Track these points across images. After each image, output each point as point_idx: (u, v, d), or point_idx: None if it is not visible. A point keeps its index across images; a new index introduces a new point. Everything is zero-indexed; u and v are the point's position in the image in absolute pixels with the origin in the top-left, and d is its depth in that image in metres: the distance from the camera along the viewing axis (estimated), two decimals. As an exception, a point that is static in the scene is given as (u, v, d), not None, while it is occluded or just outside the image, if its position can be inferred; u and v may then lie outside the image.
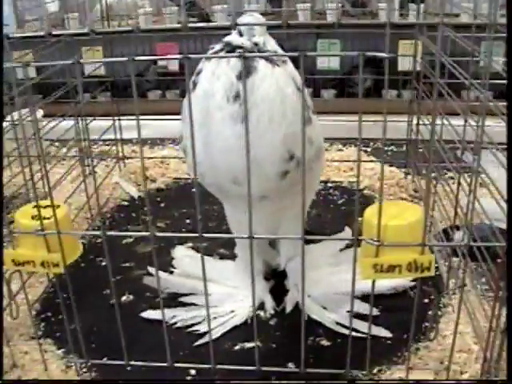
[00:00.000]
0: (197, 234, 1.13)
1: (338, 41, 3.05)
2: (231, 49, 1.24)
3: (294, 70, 1.26)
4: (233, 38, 1.28)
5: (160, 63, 3.63)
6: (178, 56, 1.00)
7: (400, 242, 1.11)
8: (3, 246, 1.32)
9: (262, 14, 3.43)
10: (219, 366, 1.26)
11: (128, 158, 2.37)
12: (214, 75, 1.20)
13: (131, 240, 1.87)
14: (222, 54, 1.24)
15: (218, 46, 1.28)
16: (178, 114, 1.31)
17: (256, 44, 1.25)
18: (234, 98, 1.19)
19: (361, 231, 1.14)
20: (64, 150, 2.24)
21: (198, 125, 1.18)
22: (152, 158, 2.41)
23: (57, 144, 2.37)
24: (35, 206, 1.27)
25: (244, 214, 1.36)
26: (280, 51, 1.33)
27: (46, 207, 1.22)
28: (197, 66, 1.24)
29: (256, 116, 1.17)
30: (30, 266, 1.23)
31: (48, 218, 1.19)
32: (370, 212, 1.16)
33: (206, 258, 1.68)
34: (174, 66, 3.56)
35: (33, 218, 1.23)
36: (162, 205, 2.12)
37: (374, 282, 1.17)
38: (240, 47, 1.24)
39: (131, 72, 0.99)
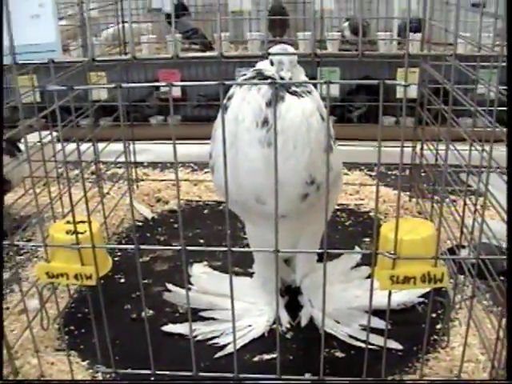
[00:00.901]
0: (225, 248, 1.19)
1: (338, 68, 3.14)
2: (262, 78, 1.34)
3: (319, 100, 1.35)
4: (264, 66, 1.38)
5: (162, 89, 3.71)
6: (213, 82, 1.06)
7: (415, 255, 1.19)
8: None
9: (262, 42, 3.54)
10: (242, 375, 1.32)
11: (141, 180, 2.44)
12: (245, 101, 1.29)
13: (148, 259, 1.94)
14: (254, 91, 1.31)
15: (249, 73, 1.37)
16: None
17: (282, 79, 1.33)
18: (262, 124, 1.28)
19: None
20: (76, 171, 2.32)
21: (219, 148, 1.27)
22: (164, 180, 2.49)
23: (70, 166, 2.43)
24: (68, 222, 1.35)
25: (264, 232, 1.45)
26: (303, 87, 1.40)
27: (78, 223, 1.29)
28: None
29: (282, 142, 1.23)
30: (64, 279, 1.30)
31: (81, 233, 1.27)
32: (386, 228, 1.24)
33: (222, 274, 1.78)
34: (176, 92, 3.63)
35: (67, 232, 1.31)
36: (176, 226, 2.19)
37: (390, 293, 1.24)
38: (270, 77, 1.33)
39: (119, 97, 1.08)
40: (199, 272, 1.82)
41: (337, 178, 1.46)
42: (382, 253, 1.20)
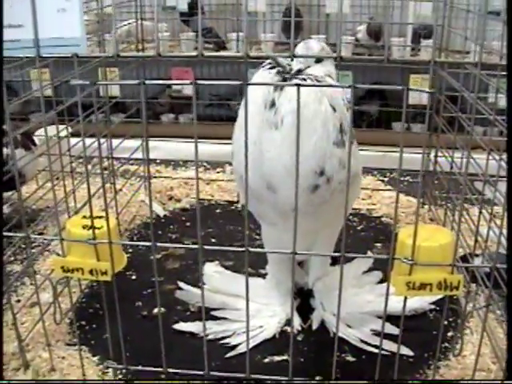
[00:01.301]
0: (243, 249, 1.19)
1: (350, 72, 3.14)
2: (276, 65, 1.36)
3: (333, 93, 1.35)
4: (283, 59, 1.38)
5: (174, 87, 3.72)
6: (236, 82, 1.07)
7: (432, 261, 1.19)
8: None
9: (276, 43, 3.53)
10: (253, 376, 1.32)
11: (153, 178, 2.44)
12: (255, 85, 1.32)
13: (159, 256, 1.94)
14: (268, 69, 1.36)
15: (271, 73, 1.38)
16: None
17: (300, 70, 1.35)
18: (270, 105, 1.30)
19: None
20: (89, 167, 2.32)
21: (238, 133, 1.38)
22: (176, 178, 2.49)
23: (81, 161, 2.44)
24: (85, 217, 1.35)
25: (280, 233, 1.45)
26: (329, 79, 1.41)
27: (95, 218, 1.29)
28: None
29: (289, 124, 1.26)
30: (79, 273, 1.30)
31: (98, 228, 1.27)
32: (404, 233, 1.24)
33: (235, 274, 1.78)
34: (188, 91, 3.63)
35: (83, 227, 1.31)
36: (188, 224, 2.19)
37: (405, 299, 1.24)
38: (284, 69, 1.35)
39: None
40: (212, 271, 1.82)
41: (353, 179, 1.46)
42: (399, 258, 1.19)
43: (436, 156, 2.09)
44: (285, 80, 1.33)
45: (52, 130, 1.96)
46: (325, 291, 1.64)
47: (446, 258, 1.20)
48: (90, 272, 1.29)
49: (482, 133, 2.61)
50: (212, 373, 1.34)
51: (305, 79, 1.34)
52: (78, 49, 1.15)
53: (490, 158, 1.55)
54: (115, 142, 2.13)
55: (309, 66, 1.39)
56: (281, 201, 1.34)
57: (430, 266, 1.18)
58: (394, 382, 1.35)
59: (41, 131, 2.10)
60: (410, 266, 1.18)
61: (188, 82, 1.13)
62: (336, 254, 1.24)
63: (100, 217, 1.29)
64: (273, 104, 1.30)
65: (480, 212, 1.55)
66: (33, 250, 2.00)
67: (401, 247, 1.22)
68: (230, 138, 2.30)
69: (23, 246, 1.97)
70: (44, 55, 1.14)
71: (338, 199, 1.34)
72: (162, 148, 2.87)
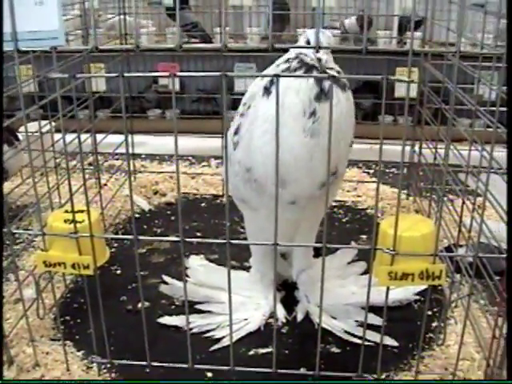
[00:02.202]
0: (225, 241, 1.19)
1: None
2: (305, 66, 1.36)
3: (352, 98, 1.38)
4: (301, 51, 1.39)
5: (161, 83, 3.71)
6: (215, 73, 1.06)
7: (413, 251, 1.19)
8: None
9: (262, 38, 3.54)
10: (237, 368, 1.32)
11: (139, 172, 2.43)
12: (291, 89, 1.32)
13: (144, 250, 1.93)
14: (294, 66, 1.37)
15: (293, 63, 1.38)
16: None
17: (319, 60, 1.34)
18: (309, 115, 1.31)
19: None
20: (74, 162, 2.32)
21: (263, 127, 1.34)
22: (162, 172, 2.48)
23: (68, 157, 2.42)
24: (67, 211, 1.35)
25: (264, 223, 1.45)
26: (337, 68, 1.41)
27: (77, 212, 1.29)
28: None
29: (325, 135, 1.26)
30: (61, 268, 1.30)
31: (80, 222, 1.27)
32: (386, 224, 1.24)
33: (219, 267, 1.78)
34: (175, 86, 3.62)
35: (65, 221, 1.30)
36: (173, 218, 2.18)
37: (388, 289, 1.24)
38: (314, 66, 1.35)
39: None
40: (196, 264, 1.82)
41: (344, 172, 1.50)
42: (380, 249, 1.19)
43: (420, 148, 2.10)
44: (321, 87, 1.32)
45: (36, 125, 1.96)
46: (309, 283, 1.64)
47: (428, 248, 1.21)
48: (73, 266, 1.29)
49: (468, 125, 2.62)
50: (196, 366, 1.34)
51: (343, 85, 1.36)
52: (57, 41, 1.14)
53: (473, 148, 1.55)
54: (100, 137, 2.12)
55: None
56: (285, 195, 1.36)
57: (412, 255, 1.19)
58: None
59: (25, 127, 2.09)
60: (391, 256, 1.18)
61: (167, 74, 1.13)
62: (318, 245, 1.25)
63: (82, 211, 1.29)
64: (313, 113, 1.31)
65: (463, 203, 1.56)
66: (17, 246, 2.00)
67: (383, 237, 1.22)
68: (217, 133, 2.32)
69: (8, 242, 1.95)
70: (22, 49, 1.13)
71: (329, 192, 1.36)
72: (149, 143, 2.87)
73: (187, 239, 1.24)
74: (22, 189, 1.96)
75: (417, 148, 2.15)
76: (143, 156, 2.67)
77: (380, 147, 1.11)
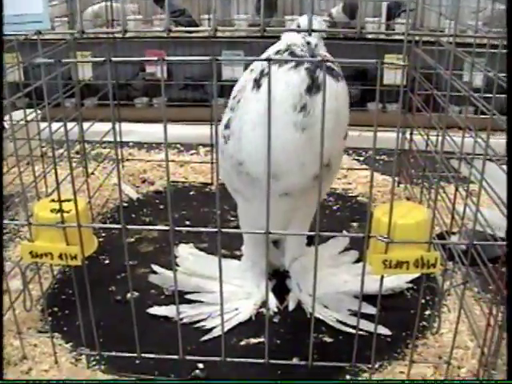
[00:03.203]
0: (215, 229, 1.16)
1: None
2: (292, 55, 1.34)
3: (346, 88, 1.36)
4: (292, 41, 1.36)
5: (148, 70, 3.67)
6: (205, 58, 1.03)
7: (408, 239, 1.17)
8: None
9: (250, 25, 3.51)
10: (229, 359, 1.31)
11: (127, 160, 2.40)
12: (282, 82, 1.29)
13: (133, 240, 1.91)
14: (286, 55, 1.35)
15: (282, 46, 1.36)
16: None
17: (308, 43, 1.32)
18: (300, 109, 1.29)
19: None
20: (61, 151, 2.28)
21: (254, 121, 1.32)
22: (150, 161, 2.45)
23: (55, 146, 2.39)
24: (53, 200, 1.31)
25: (258, 212, 1.43)
26: (330, 56, 1.38)
27: (63, 201, 1.25)
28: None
29: (317, 129, 1.23)
30: (48, 259, 1.27)
31: (67, 212, 1.23)
32: (379, 211, 1.22)
33: (209, 256, 1.76)
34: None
35: (51, 211, 1.27)
36: (161, 207, 2.15)
37: (382, 278, 1.22)
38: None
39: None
40: (185, 253, 1.79)
41: (339, 164, 1.48)
42: (375, 236, 1.17)
43: (411, 134, 2.08)
44: (313, 78, 1.30)
45: (21, 114, 1.92)
46: (301, 272, 1.62)
47: (423, 236, 1.19)
48: (60, 257, 1.26)
49: (458, 112, 2.61)
50: (187, 357, 1.32)
51: (336, 74, 1.34)
52: (41, 25, 1.10)
53: (467, 135, 1.53)
54: (87, 125, 2.08)
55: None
56: (279, 187, 1.35)
57: (407, 243, 1.17)
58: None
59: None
60: (386, 244, 1.16)
61: (155, 58, 1.10)
62: (311, 233, 1.23)
63: (69, 200, 1.26)
64: (303, 107, 1.28)
65: (456, 190, 1.54)
66: (3, 237, 1.96)
67: (377, 225, 1.20)
68: (204, 120, 2.30)
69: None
70: (7, 33, 1.10)
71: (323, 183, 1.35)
72: (136, 131, 2.83)
73: (177, 228, 1.20)
74: (6, 178, 1.92)
75: (408, 135, 2.13)
76: (131, 144, 2.63)
77: (374, 135, 1.09)
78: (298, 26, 1.40)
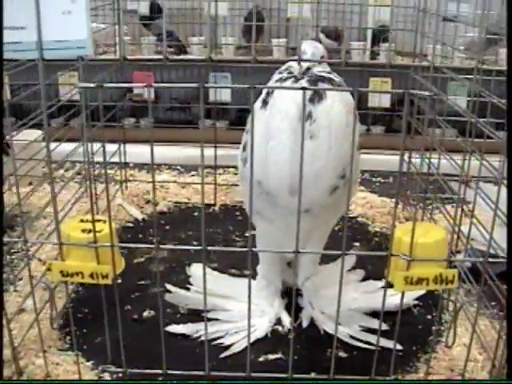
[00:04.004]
0: (246, 249, 1.22)
1: None
2: (291, 76, 1.43)
3: (351, 98, 1.41)
4: (293, 64, 1.47)
5: (136, 91, 3.69)
6: (244, 86, 1.08)
7: (428, 257, 1.24)
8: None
9: (237, 47, 3.56)
10: (253, 374, 1.35)
11: (130, 181, 2.43)
12: (288, 96, 1.37)
13: (143, 259, 1.94)
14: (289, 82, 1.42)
15: (284, 74, 1.45)
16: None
17: (308, 68, 1.41)
18: (306, 118, 1.34)
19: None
20: (61, 171, 2.31)
21: (265, 138, 1.36)
22: (152, 182, 2.47)
23: (55, 166, 2.41)
24: (82, 220, 1.35)
25: (275, 230, 1.49)
26: (334, 76, 1.46)
27: (91, 221, 1.30)
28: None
29: (324, 135, 1.33)
30: (79, 277, 1.30)
31: (98, 232, 1.27)
32: (400, 231, 1.29)
33: (223, 275, 1.80)
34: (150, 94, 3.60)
35: (82, 231, 1.31)
36: (168, 227, 2.19)
37: (403, 293, 1.28)
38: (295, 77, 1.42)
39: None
40: (200, 273, 1.82)
41: (357, 178, 1.53)
42: (397, 255, 1.24)
43: (410, 157, 2.16)
44: (315, 90, 1.38)
45: (27, 134, 1.95)
46: (313, 290, 1.67)
47: (441, 254, 1.26)
48: (91, 276, 1.29)
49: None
50: (213, 373, 1.36)
51: (330, 79, 1.42)
52: (84, 51, 1.14)
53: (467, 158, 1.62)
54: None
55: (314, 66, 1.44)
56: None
57: (428, 261, 1.24)
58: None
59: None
60: (407, 261, 1.23)
61: (144, 84, 1.14)
62: (337, 253, 1.28)
63: (98, 220, 1.30)
64: (309, 116, 1.35)
65: (462, 210, 1.62)
66: (13, 256, 1.98)
67: (397, 244, 1.27)
68: (190, 142, 2.33)
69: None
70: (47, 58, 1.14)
71: (340, 199, 1.40)
72: (133, 153, 2.83)
73: (209, 247, 1.25)
74: (13, 198, 1.94)
75: (406, 157, 2.21)
76: (131, 165, 2.66)
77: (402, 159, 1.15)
78: (304, 51, 1.48)
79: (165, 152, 2.66)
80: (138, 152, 2.73)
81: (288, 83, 1.41)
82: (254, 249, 1.23)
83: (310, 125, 1.35)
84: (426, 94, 1.14)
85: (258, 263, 1.68)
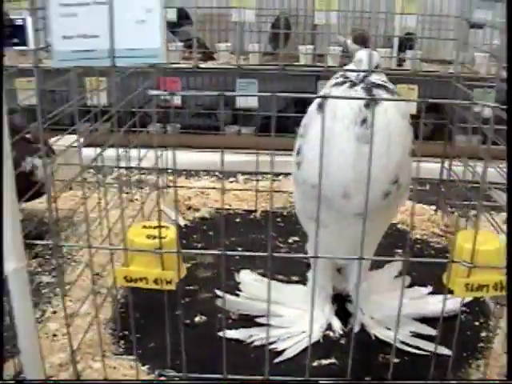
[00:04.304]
0: (312, 256, 1.24)
1: None
2: (348, 81, 1.46)
3: (405, 105, 1.45)
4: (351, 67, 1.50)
5: (163, 96, 3.72)
6: (312, 95, 1.12)
7: (489, 264, 1.26)
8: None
9: (264, 54, 3.57)
10: (311, 379, 1.37)
11: (170, 187, 2.45)
12: (344, 100, 1.39)
13: (189, 265, 1.96)
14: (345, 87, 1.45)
15: (339, 79, 1.48)
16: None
17: (365, 76, 1.43)
18: (361, 122, 1.38)
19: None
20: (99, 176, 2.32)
21: (320, 141, 1.35)
22: (193, 187, 2.50)
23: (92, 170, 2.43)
24: (145, 226, 1.38)
25: (332, 238, 1.51)
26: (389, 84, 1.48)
27: (155, 228, 1.33)
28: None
29: (379, 140, 1.34)
30: (143, 283, 1.33)
31: (163, 238, 1.30)
32: (461, 238, 1.31)
33: (273, 282, 1.81)
34: (177, 100, 3.64)
35: (148, 237, 1.34)
36: (211, 233, 2.21)
37: (463, 299, 1.31)
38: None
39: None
40: (249, 279, 1.85)
41: (409, 184, 1.55)
42: (459, 261, 1.26)
43: (450, 165, 2.17)
44: (371, 95, 1.41)
45: (67, 139, 1.98)
46: (363, 295, 1.68)
47: (501, 261, 1.27)
48: (155, 281, 1.32)
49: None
50: (272, 377, 1.37)
51: (392, 91, 1.44)
52: (157, 59, 1.16)
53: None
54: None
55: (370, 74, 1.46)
56: (352, 206, 1.42)
57: (489, 268, 1.26)
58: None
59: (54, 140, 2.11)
60: (468, 268, 1.25)
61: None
62: (399, 259, 1.30)
63: (161, 226, 1.32)
64: (364, 120, 1.37)
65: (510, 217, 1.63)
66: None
67: (459, 251, 1.29)
68: (215, 148, 2.34)
69: (47, 256, 1.98)
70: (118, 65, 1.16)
71: (392, 204, 1.42)
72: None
73: (275, 254, 1.27)
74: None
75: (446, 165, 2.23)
76: (169, 171, 2.68)
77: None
78: (360, 60, 1.50)
79: (199, 158, 2.70)
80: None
81: (344, 88, 1.44)
82: (319, 255, 1.24)
83: (366, 129, 1.38)
84: (491, 104, 1.15)
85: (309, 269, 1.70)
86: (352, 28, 3.76)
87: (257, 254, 1.34)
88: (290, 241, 2.16)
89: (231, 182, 2.71)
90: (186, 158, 2.67)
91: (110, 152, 1.95)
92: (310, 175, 1.46)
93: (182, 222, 2.28)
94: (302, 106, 2.76)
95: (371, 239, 1.59)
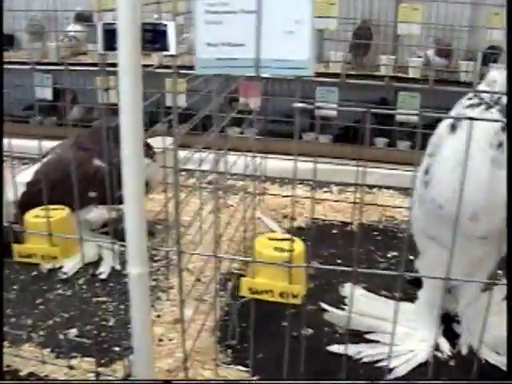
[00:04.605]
0: (443, 276, 1.22)
1: (418, 94, 3.14)
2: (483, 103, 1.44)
3: None
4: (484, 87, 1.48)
5: (241, 101, 3.73)
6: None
7: None
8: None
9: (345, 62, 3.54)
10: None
11: (265, 194, 2.45)
12: (479, 123, 1.34)
13: (290, 277, 1.95)
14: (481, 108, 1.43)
15: (474, 100, 1.46)
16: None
17: (499, 98, 1.42)
18: (497, 146, 1.37)
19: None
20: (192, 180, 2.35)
21: (452, 162, 1.38)
22: (288, 196, 2.49)
23: (184, 173, 2.46)
24: (271, 238, 1.39)
25: (449, 256, 1.48)
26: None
27: (281, 240, 1.33)
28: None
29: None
30: (268, 295, 1.34)
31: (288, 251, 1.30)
32: None
33: (379, 298, 1.80)
34: (253, 105, 3.64)
35: (275, 249, 1.34)
36: (308, 243, 2.19)
37: None
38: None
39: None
40: (356, 294, 1.83)
41: None
42: None
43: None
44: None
45: (158, 140, 1.99)
46: (472, 317, 1.66)
47: None
48: (281, 295, 1.33)
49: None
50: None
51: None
52: (305, 72, 1.15)
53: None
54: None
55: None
56: (477, 229, 1.41)
57: None
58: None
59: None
60: None
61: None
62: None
63: (287, 239, 1.33)
64: (500, 144, 1.36)
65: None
66: (156, 264, 2.04)
67: None
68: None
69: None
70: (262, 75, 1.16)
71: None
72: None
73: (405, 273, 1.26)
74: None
75: None
76: (263, 178, 2.69)
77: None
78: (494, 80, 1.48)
79: (288, 165, 2.67)
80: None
81: (480, 109, 1.43)
82: (452, 277, 1.23)
83: (501, 154, 1.36)
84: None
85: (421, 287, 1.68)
86: (434, 39, 3.68)
87: (382, 272, 1.32)
88: (389, 255, 2.14)
89: (325, 192, 2.69)
90: (278, 164, 2.64)
91: (198, 155, 2.01)
92: (439, 195, 1.44)
93: (278, 230, 2.27)
94: (380, 116, 2.77)
95: (491, 260, 1.57)
